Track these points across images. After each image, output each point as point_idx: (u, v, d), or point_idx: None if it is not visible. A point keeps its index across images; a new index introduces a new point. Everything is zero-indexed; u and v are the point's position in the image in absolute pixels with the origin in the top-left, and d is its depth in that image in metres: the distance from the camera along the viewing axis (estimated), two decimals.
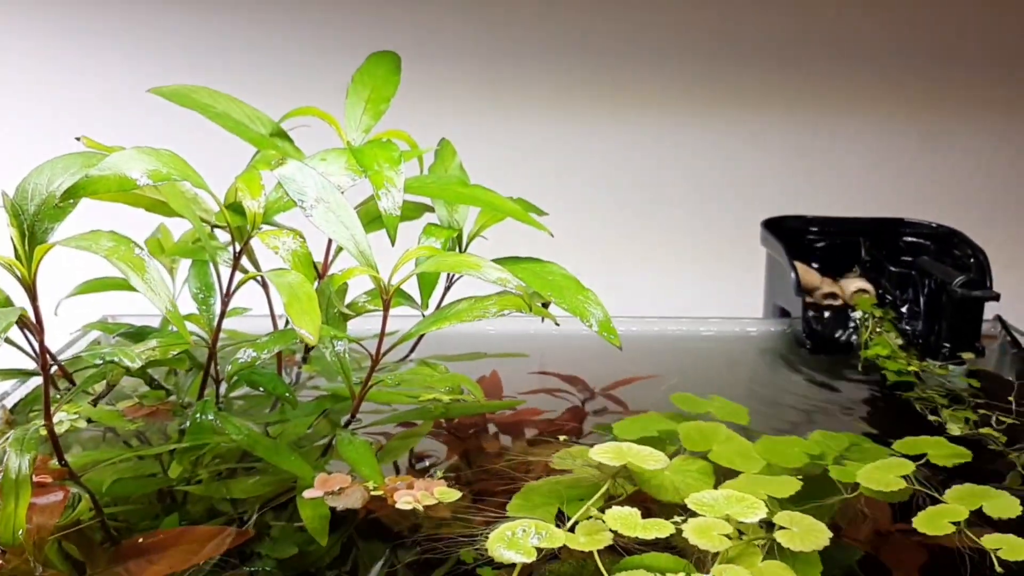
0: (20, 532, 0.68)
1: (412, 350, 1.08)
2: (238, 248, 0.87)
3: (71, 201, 0.72)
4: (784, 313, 1.25)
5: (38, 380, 0.92)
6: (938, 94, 1.73)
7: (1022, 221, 1.74)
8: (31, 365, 0.86)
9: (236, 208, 0.88)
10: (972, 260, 1.21)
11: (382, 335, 0.87)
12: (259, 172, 0.88)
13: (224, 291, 0.87)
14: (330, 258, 1.04)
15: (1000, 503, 0.78)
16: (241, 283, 0.85)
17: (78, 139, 0.82)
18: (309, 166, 0.87)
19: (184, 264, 1.04)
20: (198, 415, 0.87)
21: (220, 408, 0.90)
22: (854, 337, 1.18)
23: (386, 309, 0.87)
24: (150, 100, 0.98)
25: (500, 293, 0.92)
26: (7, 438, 0.73)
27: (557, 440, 0.91)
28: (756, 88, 1.71)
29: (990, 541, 0.72)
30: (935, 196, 1.66)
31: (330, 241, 1.02)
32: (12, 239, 0.71)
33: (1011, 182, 1.76)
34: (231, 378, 0.84)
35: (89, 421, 0.88)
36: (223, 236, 0.95)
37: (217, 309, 0.90)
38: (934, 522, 0.75)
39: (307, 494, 0.76)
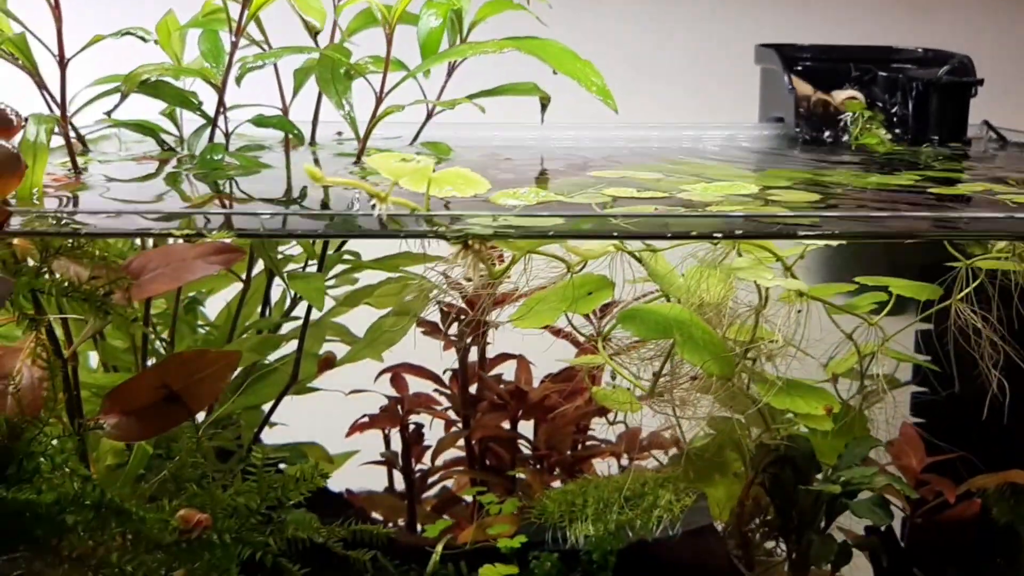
0: (35, 191, 0.71)
1: (415, 139, 1.11)
2: None
3: None
4: (779, 121, 1.29)
5: None
6: None
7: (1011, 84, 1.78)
8: None
9: None
10: (959, 65, 1.24)
11: (386, 69, 0.91)
12: None
13: (233, 36, 0.90)
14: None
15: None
16: (251, 16, 0.88)
17: None
18: None
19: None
20: (207, 155, 0.90)
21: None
22: (844, 137, 1.21)
23: (389, 44, 0.91)
24: None
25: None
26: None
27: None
28: None
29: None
30: (932, 32, 1.70)
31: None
32: None
33: (997, 51, 1.79)
34: (257, 121, 0.87)
35: (100, 162, 0.92)
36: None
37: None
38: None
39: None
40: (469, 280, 0.65)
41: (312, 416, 1.03)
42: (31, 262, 0.63)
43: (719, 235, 0.62)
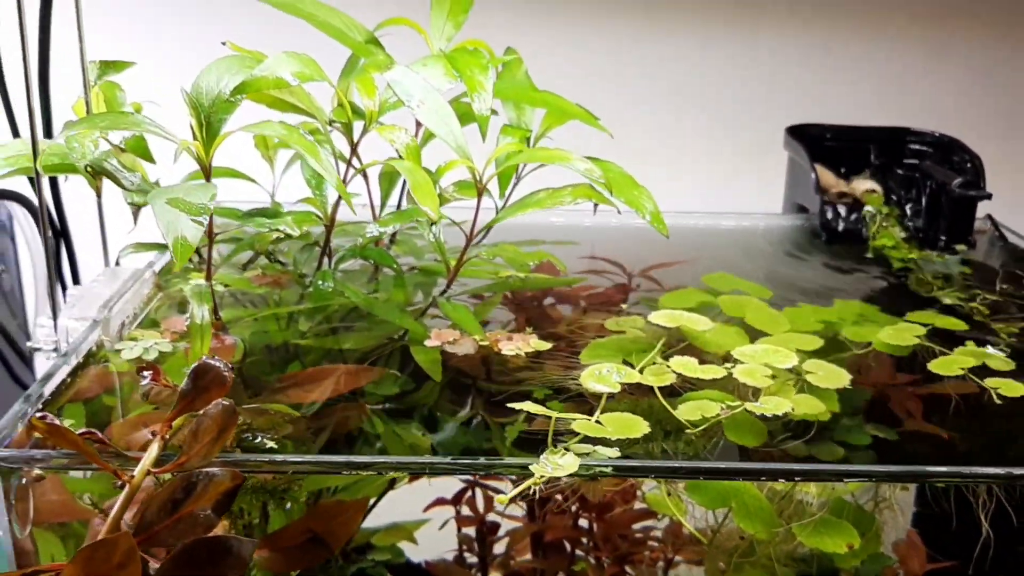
0: None
1: (483, 237, 1.24)
2: (356, 136, 1.02)
3: (238, 96, 0.87)
4: (802, 210, 1.42)
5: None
6: (943, 11, 1.86)
7: (1016, 132, 1.90)
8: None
9: (350, 106, 1.04)
10: (969, 165, 1.37)
11: (476, 216, 1.04)
12: (371, 75, 1.02)
13: (343, 176, 1.02)
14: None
15: (998, 359, 0.96)
16: (360, 169, 1.00)
17: (224, 44, 0.96)
18: (412, 71, 1.02)
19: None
20: (319, 282, 1.04)
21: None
22: (864, 231, 1.34)
23: (480, 196, 1.03)
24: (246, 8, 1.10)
25: (572, 185, 1.08)
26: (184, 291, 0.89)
27: (608, 310, 1.08)
28: (776, 9, 1.84)
29: (991, 382, 0.91)
30: (939, 107, 1.81)
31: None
32: (192, 127, 0.86)
33: (1009, 95, 1.90)
34: (358, 253, 1.00)
35: (225, 286, 1.05)
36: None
37: (330, 194, 1.06)
38: (946, 367, 0.94)
39: (428, 343, 0.93)
40: None
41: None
42: None
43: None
